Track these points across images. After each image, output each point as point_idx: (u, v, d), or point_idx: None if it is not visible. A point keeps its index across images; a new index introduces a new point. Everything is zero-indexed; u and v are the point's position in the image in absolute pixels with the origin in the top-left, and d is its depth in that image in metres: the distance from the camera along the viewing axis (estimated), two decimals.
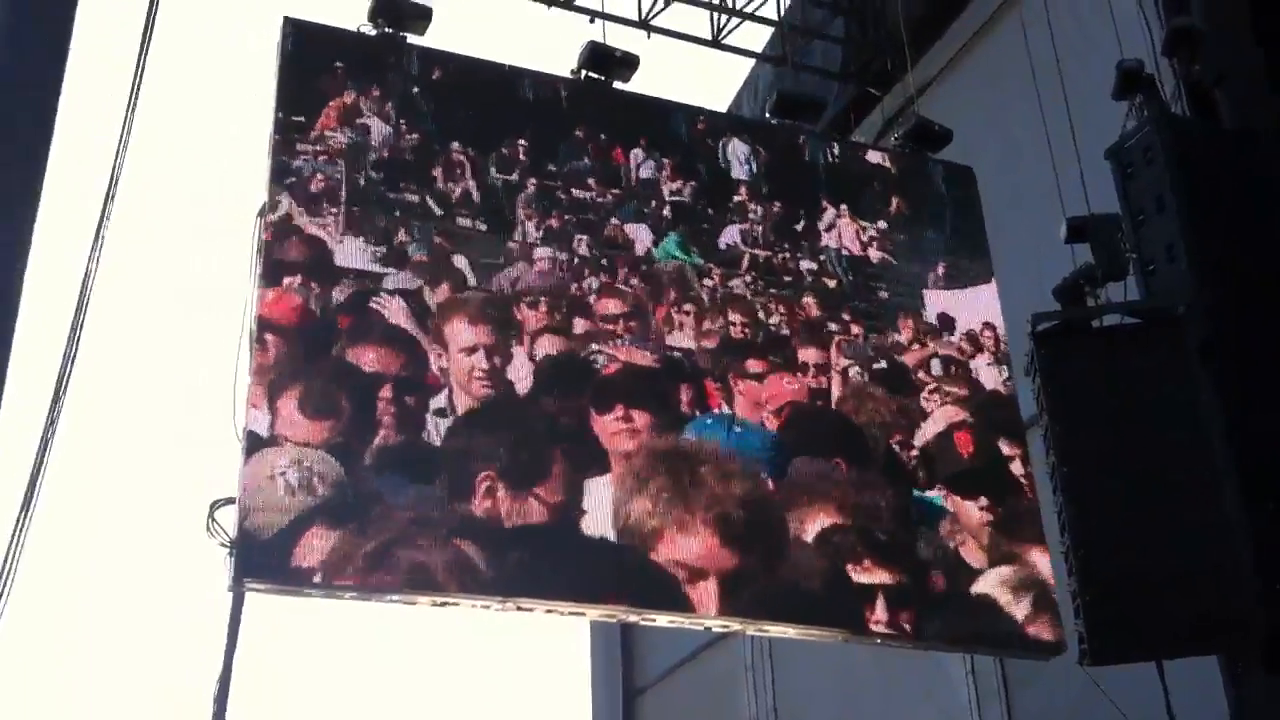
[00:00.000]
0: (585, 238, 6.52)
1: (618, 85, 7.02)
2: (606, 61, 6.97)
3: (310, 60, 6.30)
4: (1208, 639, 5.13)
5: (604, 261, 6.47)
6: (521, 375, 6.01)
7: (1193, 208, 5.74)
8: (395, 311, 5.94)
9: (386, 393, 5.72)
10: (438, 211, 6.26)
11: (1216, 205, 5.85)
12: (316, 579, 5.27)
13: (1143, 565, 5.08)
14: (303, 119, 6.15)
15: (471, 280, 6.17)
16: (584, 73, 6.95)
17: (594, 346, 6.21)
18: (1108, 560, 5.13)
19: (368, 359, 5.78)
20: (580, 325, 6.26)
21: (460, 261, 6.18)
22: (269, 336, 5.68)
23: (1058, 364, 5.59)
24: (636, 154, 6.86)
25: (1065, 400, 5.51)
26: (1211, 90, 6.36)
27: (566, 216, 6.52)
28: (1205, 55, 6.40)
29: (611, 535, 5.80)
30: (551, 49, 7.35)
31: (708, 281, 6.68)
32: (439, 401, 5.83)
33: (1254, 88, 6.27)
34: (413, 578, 5.40)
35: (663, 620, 6.13)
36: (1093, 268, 6.05)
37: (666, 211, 6.80)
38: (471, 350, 6.00)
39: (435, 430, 5.74)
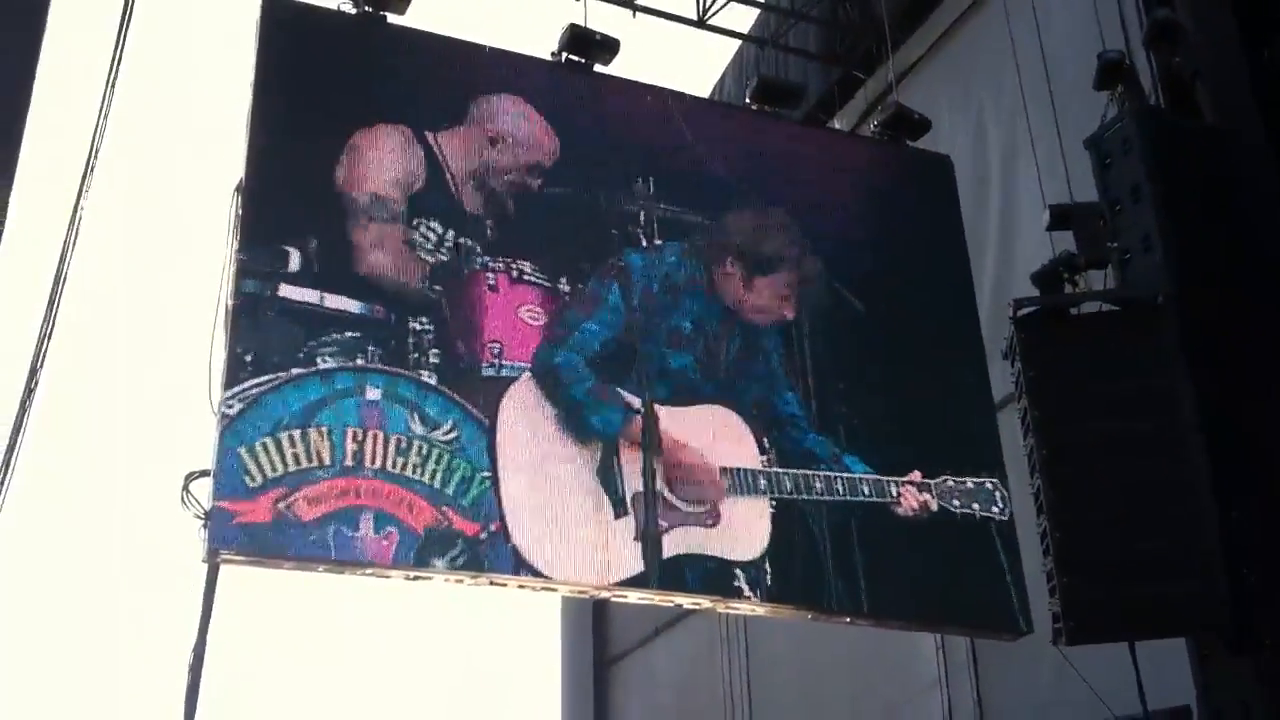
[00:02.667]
0: None
1: (598, 68, 7.01)
2: (587, 44, 6.94)
3: (290, 39, 6.27)
4: (1178, 621, 5.23)
5: None
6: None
7: (1168, 199, 5.82)
8: None
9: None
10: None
11: (1192, 197, 5.93)
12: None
13: (1118, 548, 5.18)
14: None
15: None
16: (564, 55, 6.93)
17: None
18: (1084, 543, 5.23)
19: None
20: None
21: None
22: None
23: (1037, 349, 5.67)
24: None
25: (1045, 385, 5.59)
26: (1191, 83, 6.42)
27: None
28: (1185, 48, 6.46)
29: None
30: (536, 29, 7.33)
31: None
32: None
33: (1232, 82, 6.34)
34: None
35: (634, 598, 6.16)
36: (1074, 255, 6.12)
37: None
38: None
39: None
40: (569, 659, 13.02)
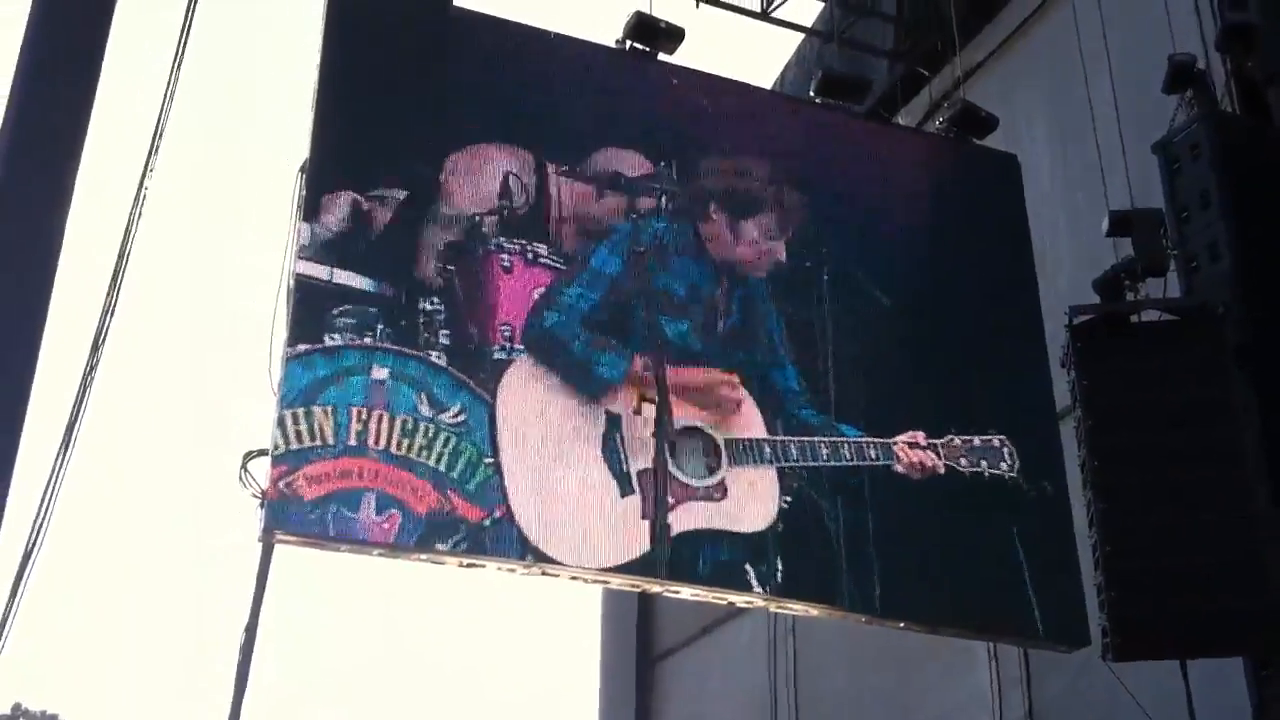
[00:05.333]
0: None
1: (662, 57, 7.00)
2: (652, 32, 6.93)
3: (356, 21, 6.31)
4: (1231, 640, 5.14)
5: None
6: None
7: (1238, 207, 5.71)
8: None
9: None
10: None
11: (1262, 205, 5.80)
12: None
13: (1169, 563, 5.09)
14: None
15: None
16: (629, 43, 6.93)
17: None
18: (1134, 557, 5.15)
19: None
20: None
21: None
22: None
23: (1094, 358, 5.59)
24: None
25: (1100, 394, 5.51)
26: (1263, 89, 6.28)
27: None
28: (1259, 53, 6.32)
29: None
30: (598, 17, 7.32)
31: None
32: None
33: None
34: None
35: (686, 593, 6.12)
36: (1133, 262, 6.02)
37: None
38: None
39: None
40: (609, 655, 12.95)
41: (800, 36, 10.47)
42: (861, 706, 9.53)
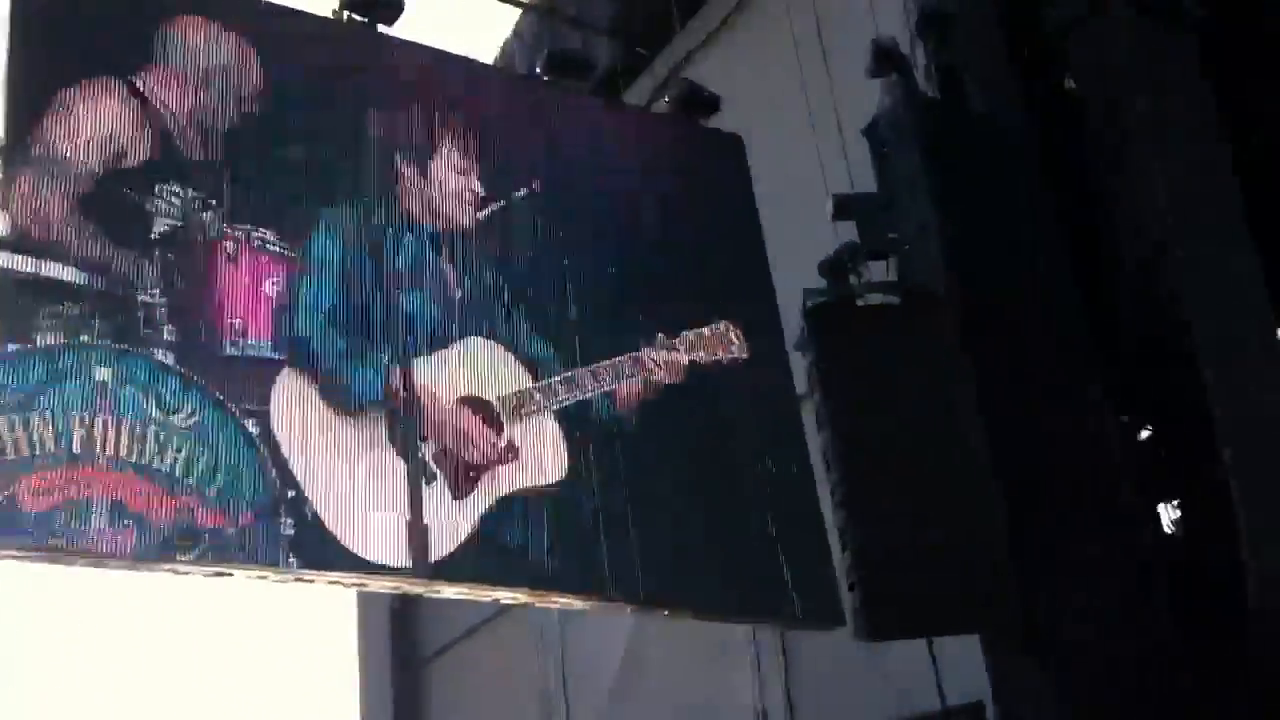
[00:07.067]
0: None
1: (382, 29, 6.79)
2: (371, 2, 6.72)
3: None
4: (972, 617, 5.38)
5: None
6: None
7: (943, 190, 5.92)
8: None
9: None
10: None
11: (966, 187, 6.05)
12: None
13: (911, 543, 5.28)
14: None
15: None
16: (346, 14, 6.68)
17: None
18: (878, 537, 5.32)
19: None
20: None
21: None
22: None
23: (828, 340, 5.73)
24: None
25: (836, 377, 5.66)
26: (960, 73, 6.59)
27: None
28: (954, 38, 6.62)
29: None
30: None
31: None
32: None
33: (998, 72, 6.55)
34: None
35: (450, 593, 6.07)
36: (856, 245, 6.26)
37: None
38: None
39: None
40: (369, 660, 12.63)
41: (518, 12, 10.40)
42: (634, 698, 9.65)
